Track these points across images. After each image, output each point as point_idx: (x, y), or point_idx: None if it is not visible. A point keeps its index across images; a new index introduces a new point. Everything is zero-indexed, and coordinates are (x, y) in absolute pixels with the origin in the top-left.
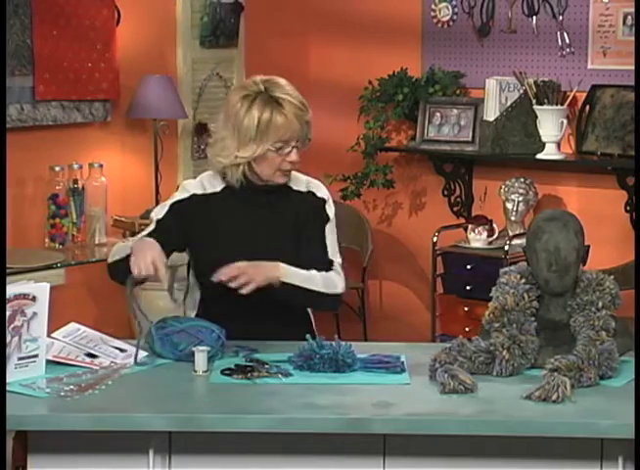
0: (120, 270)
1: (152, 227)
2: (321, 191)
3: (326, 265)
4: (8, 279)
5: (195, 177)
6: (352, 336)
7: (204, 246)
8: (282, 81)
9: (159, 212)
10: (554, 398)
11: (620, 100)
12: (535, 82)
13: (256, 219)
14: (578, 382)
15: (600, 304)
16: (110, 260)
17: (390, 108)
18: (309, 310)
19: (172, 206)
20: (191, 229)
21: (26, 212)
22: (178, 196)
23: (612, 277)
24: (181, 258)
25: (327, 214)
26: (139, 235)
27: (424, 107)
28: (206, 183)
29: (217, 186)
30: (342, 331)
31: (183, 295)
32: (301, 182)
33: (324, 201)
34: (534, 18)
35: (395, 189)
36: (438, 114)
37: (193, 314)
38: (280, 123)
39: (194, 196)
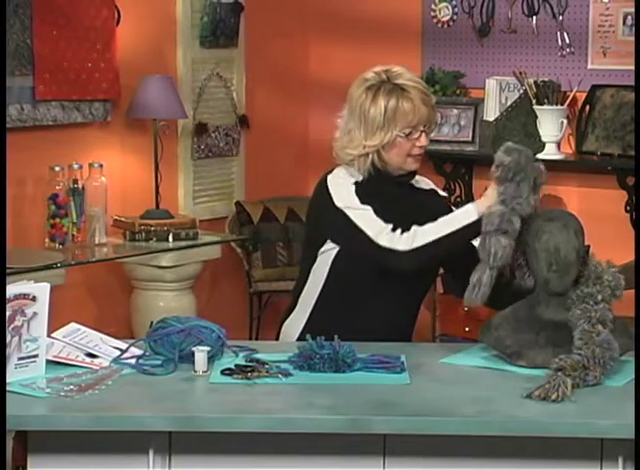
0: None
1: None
2: (439, 190)
3: None
4: (8, 279)
5: (195, 177)
6: None
7: None
8: (401, 69)
9: (353, 199)
10: (553, 397)
11: (620, 100)
12: (535, 82)
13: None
14: (584, 381)
15: (599, 297)
16: (428, 239)
17: None
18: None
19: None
20: None
21: (26, 212)
22: (346, 179)
23: (613, 269)
24: (185, 257)
25: (451, 210)
26: (382, 227)
27: None
28: (353, 175)
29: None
30: None
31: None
32: (421, 181)
33: (446, 198)
34: (534, 18)
35: None
36: (438, 114)
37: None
38: (408, 109)
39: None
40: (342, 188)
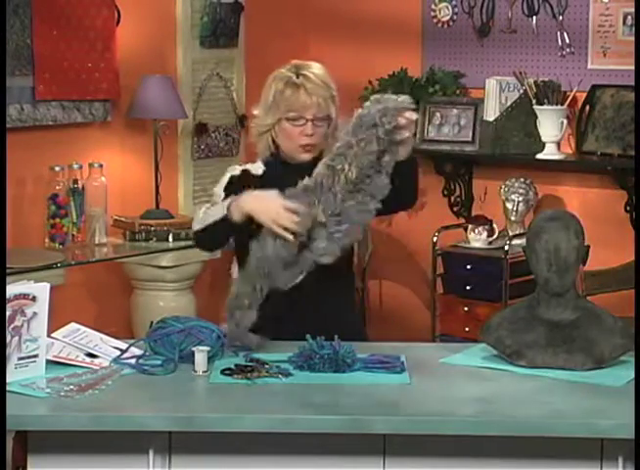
0: (219, 233)
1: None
2: None
3: None
4: (8, 279)
5: (195, 177)
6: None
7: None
8: (313, 63)
9: (218, 186)
10: None
11: (620, 100)
12: (535, 82)
13: None
14: None
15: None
16: (199, 227)
17: None
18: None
19: (230, 181)
20: None
21: (26, 212)
22: (231, 170)
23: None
24: (185, 257)
25: None
26: (206, 207)
27: (424, 107)
28: (253, 166)
29: (259, 169)
30: None
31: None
32: None
33: None
34: (534, 18)
35: None
36: (438, 114)
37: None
38: (290, 93)
39: (244, 171)
40: (223, 177)
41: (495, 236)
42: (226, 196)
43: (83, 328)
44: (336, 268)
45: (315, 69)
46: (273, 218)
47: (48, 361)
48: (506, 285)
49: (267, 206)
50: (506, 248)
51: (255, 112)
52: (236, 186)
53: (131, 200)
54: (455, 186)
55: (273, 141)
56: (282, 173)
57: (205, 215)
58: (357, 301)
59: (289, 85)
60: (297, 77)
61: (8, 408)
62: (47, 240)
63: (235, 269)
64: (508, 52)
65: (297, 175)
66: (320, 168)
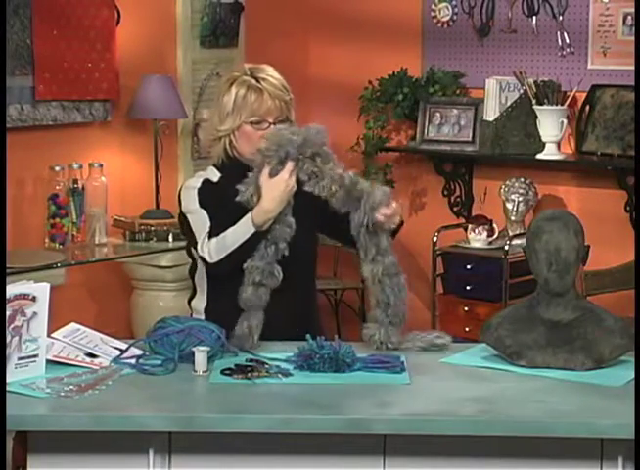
0: (247, 252)
1: (203, 216)
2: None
3: None
4: (8, 279)
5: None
6: (352, 336)
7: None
8: (267, 67)
9: (192, 203)
10: None
11: (620, 100)
12: (535, 82)
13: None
14: None
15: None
16: (223, 254)
17: (390, 108)
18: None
19: (198, 192)
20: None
21: (26, 212)
22: (193, 184)
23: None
24: (185, 257)
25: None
26: (203, 236)
27: (424, 107)
28: (209, 174)
29: (214, 177)
30: (342, 331)
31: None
32: None
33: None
34: (534, 18)
35: (395, 189)
36: (438, 114)
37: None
38: (254, 98)
39: (205, 181)
40: (188, 192)
41: (495, 236)
42: (206, 210)
43: (83, 328)
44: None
45: (272, 72)
46: (281, 188)
47: (48, 361)
48: (506, 285)
49: (271, 189)
50: (506, 248)
51: (207, 116)
52: (205, 197)
53: (131, 200)
54: (455, 186)
55: (230, 145)
56: (242, 177)
57: (223, 242)
58: (357, 301)
59: (251, 90)
60: (258, 82)
61: (8, 408)
62: (47, 240)
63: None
64: (508, 52)
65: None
66: None
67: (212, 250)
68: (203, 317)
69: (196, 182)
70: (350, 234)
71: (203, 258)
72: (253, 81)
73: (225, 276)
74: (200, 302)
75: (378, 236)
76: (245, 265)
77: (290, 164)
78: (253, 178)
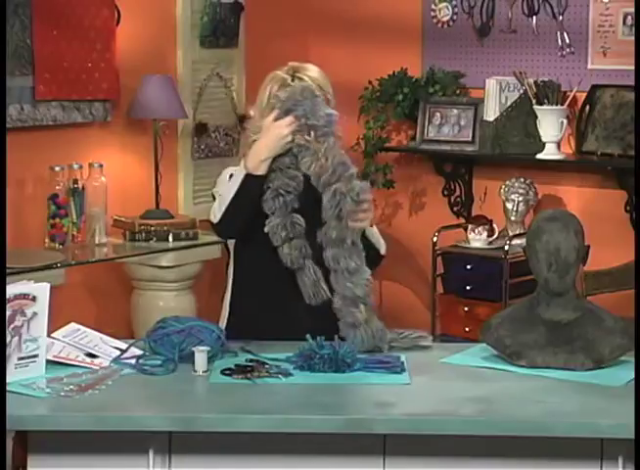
0: (242, 206)
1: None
2: None
3: None
4: (8, 279)
5: (195, 177)
6: None
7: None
8: (309, 66)
9: (220, 185)
10: None
11: (620, 100)
12: (535, 82)
13: None
14: None
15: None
16: (219, 214)
17: (390, 108)
18: None
19: (230, 176)
20: None
21: (26, 212)
22: (228, 171)
23: None
24: (185, 257)
25: None
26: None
27: (424, 107)
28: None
29: None
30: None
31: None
32: None
33: None
34: (534, 18)
35: (395, 189)
36: (438, 114)
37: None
38: (283, 95)
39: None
40: (221, 177)
41: (495, 236)
42: None
43: (83, 328)
44: None
45: (312, 71)
46: (275, 133)
47: (48, 361)
48: (506, 285)
49: (267, 132)
50: (506, 248)
51: (251, 112)
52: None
53: (131, 200)
54: (455, 186)
55: None
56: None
57: (222, 197)
58: None
59: (283, 87)
60: (293, 80)
61: (8, 408)
62: (47, 240)
63: (231, 270)
64: (508, 52)
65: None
66: None
67: (216, 209)
68: (227, 312)
69: (230, 170)
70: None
71: (212, 225)
72: (289, 79)
73: (233, 237)
74: (227, 296)
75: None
76: (266, 229)
77: (290, 118)
78: None
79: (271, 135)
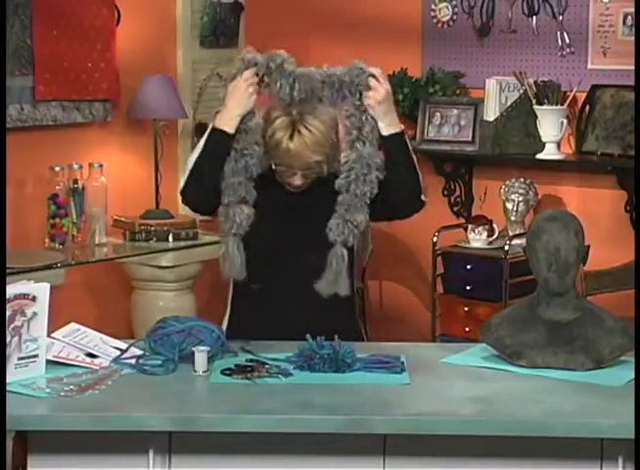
0: (205, 168)
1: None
2: None
3: None
4: (8, 279)
5: None
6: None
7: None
8: (318, 115)
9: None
10: None
11: (620, 100)
12: (535, 82)
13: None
14: None
15: None
16: (184, 179)
17: None
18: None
19: None
20: None
21: (26, 212)
22: None
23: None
24: (185, 257)
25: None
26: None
27: (424, 107)
28: None
29: None
30: None
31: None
32: None
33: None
34: (534, 18)
35: None
36: (438, 114)
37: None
38: (283, 151)
39: None
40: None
41: (495, 236)
42: None
43: (83, 328)
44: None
45: (317, 123)
46: (235, 88)
47: (48, 361)
48: (506, 285)
49: (230, 92)
50: (506, 248)
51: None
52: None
53: (131, 200)
54: (455, 186)
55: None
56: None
57: (186, 168)
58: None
59: (284, 140)
60: (291, 137)
61: (8, 408)
62: (47, 240)
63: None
64: (508, 52)
65: (288, 195)
66: None
67: (185, 177)
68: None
69: None
70: (374, 215)
71: (181, 197)
72: (289, 133)
73: (202, 206)
74: (224, 323)
75: (362, 121)
76: (222, 184)
77: (248, 72)
78: None
79: (232, 92)
